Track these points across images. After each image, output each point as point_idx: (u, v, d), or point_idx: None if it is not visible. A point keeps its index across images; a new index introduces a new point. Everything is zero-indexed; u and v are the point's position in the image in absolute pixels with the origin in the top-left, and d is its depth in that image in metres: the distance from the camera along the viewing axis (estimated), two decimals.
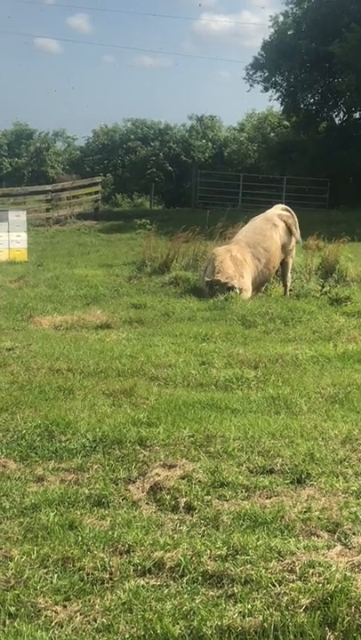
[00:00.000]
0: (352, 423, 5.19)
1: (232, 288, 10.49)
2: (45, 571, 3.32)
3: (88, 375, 6.48)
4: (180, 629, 2.91)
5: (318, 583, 3.14)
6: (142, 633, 2.90)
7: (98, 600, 3.10)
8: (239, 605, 3.03)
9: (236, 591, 3.13)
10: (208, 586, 3.21)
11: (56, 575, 3.28)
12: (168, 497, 4.03)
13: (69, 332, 8.59)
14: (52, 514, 3.81)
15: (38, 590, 3.17)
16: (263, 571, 3.25)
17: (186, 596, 3.11)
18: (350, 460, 4.54)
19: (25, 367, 6.66)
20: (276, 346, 7.74)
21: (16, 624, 2.97)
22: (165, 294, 11.14)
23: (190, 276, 12.05)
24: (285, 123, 37.99)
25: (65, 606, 3.08)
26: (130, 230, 22.36)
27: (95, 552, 3.43)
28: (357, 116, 34.17)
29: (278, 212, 12.33)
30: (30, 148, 42.01)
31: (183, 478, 4.23)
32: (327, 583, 3.13)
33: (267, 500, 3.98)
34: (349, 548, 3.50)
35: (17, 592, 3.15)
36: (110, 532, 3.61)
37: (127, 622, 2.97)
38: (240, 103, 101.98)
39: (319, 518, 3.77)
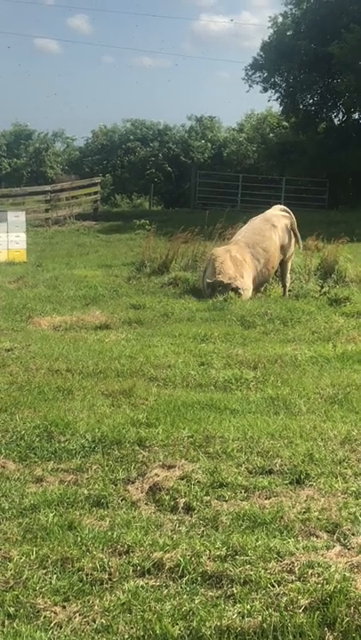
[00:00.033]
0: (351, 424, 5.19)
1: (236, 289, 10.51)
2: (44, 571, 3.32)
3: (87, 376, 6.47)
4: (180, 630, 2.91)
5: (317, 583, 3.14)
6: (141, 633, 2.90)
7: (97, 600, 3.10)
8: (238, 606, 3.03)
9: (235, 591, 3.14)
10: (207, 586, 3.21)
11: (55, 576, 3.28)
12: (167, 497, 4.02)
13: (68, 332, 8.58)
14: (51, 514, 3.81)
15: (37, 591, 3.16)
16: (262, 571, 3.25)
17: (185, 596, 3.11)
18: (349, 460, 4.54)
19: (24, 368, 6.66)
20: (275, 346, 7.74)
21: (15, 625, 2.96)
22: (165, 295, 11.14)
23: (189, 277, 12.06)
24: (285, 123, 38.00)
25: (64, 607, 3.08)
26: (129, 231, 22.32)
27: (94, 552, 3.43)
28: (357, 117, 34.24)
29: (279, 214, 12.33)
30: (29, 149, 42.01)
31: (182, 479, 4.23)
32: (326, 583, 3.13)
33: (266, 501, 3.98)
34: (349, 549, 3.50)
35: (16, 593, 3.15)
36: (109, 533, 3.61)
37: (126, 623, 2.97)
38: (239, 104, 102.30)
39: (318, 519, 3.77)
